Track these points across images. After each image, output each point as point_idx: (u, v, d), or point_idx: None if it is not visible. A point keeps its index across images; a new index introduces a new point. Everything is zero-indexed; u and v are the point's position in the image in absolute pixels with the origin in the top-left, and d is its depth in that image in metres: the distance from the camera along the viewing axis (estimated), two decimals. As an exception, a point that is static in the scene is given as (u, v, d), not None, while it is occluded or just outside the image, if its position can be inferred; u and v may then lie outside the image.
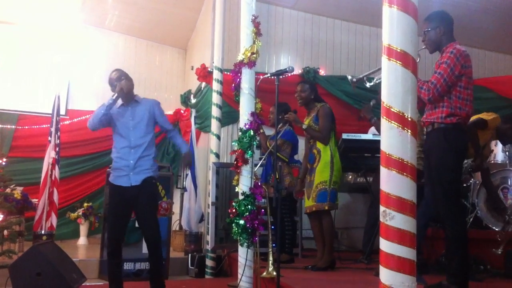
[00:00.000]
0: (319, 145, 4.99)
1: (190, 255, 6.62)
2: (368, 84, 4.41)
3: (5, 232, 5.48)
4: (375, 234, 5.23)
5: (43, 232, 6.79)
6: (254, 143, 4.31)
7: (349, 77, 4.53)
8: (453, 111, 3.47)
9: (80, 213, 8.44)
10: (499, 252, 4.47)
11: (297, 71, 7.42)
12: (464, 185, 5.34)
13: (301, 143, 5.74)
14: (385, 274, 2.18)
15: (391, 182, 2.21)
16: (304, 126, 5.02)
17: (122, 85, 4.26)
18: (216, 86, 6.59)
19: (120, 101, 4.35)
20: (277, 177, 4.42)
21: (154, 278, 4.24)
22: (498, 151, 5.69)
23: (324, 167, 4.92)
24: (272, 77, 4.30)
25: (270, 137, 5.66)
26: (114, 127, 4.36)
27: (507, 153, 5.63)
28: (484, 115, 5.04)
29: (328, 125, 4.98)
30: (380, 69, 3.99)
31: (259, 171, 5.28)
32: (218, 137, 6.57)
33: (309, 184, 5.01)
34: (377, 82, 4.36)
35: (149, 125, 4.31)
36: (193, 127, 7.56)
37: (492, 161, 5.61)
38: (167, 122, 4.56)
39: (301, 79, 6.84)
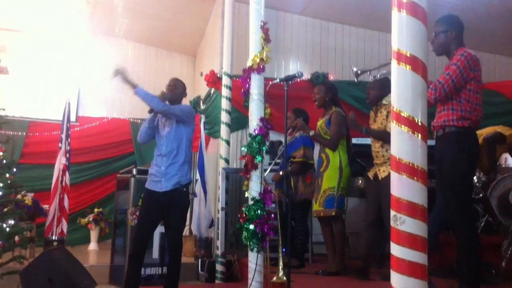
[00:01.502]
0: (328, 149, 5.00)
1: (200, 260, 6.62)
2: (370, 78, 4.40)
3: (16, 238, 5.50)
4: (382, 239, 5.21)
5: (54, 238, 6.83)
6: (264, 148, 4.32)
7: (354, 69, 4.52)
8: (463, 114, 3.46)
9: (91, 219, 8.49)
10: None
11: (306, 76, 7.42)
12: (476, 197, 5.30)
13: (316, 148, 5.74)
14: (396, 279, 2.17)
15: (401, 187, 2.20)
16: (311, 133, 5.02)
17: (159, 95, 4.39)
18: (225, 91, 6.61)
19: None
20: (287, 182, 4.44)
21: (168, 284, 4.25)
22: (509, 156, 5.65)
23: (333, 173, 4.92)
24: (281, 83, 4.31)
25: (290, 141, 5.64)
26: (155, 136, 4.50)
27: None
28: (502, 129, 5.01)
29: (338, 131, 4.97)
30: (386, 64, 4.02)
31: (269, 177, 5.29)
32: (228, 143, 6.58)
33: (317, 188, 5.02)
34: (379, 77, 4.35)
35: (177, 132, 4.37)
36: (203, 133, 7.58)
37: (504, 165, 5.58)
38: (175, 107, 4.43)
39: (310, 85, 6.85)
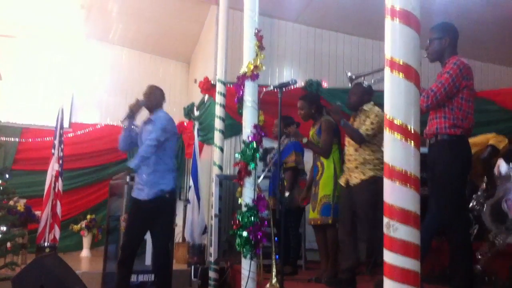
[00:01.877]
0: (322, 158, 5.01)
1: (193, 267, 6.61)
2: (365, 84, 4.40)
3: (8, 244, 5.49)
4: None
5: (46, 244, 6.80)
6: (257, 155, 4.32)
7: (349, 74, 4.51)
8: (456, 122, 3.48)
9: (83, 225, 8.46)
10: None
11: (300, 83, 7.44)
12: (475, 213, 5.30)
13: (307, 155, 5.74)
14: (389, 286, 2.17)
15: (394, 194, 2.21)
16: (304, 140, 5.01)
17: (132, 104, 4.44)
18: (219, 98, 6.61)
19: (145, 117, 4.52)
20: (280, 189, 4.43)
21: None
22: (502, 163, 5.67)
23: (328, 180, 4.92)
24: (275, 90, 4.32)
25: (274, 150, 5.66)
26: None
27: (511, 164, 5.61)
28: (495, 141, 5.03)
29: (329, 139, 4.96)
30: (380, 70, 4.03)
31: (263, 184, 5.29)
32: (221, 149, 6.58)
33: (314, 196, 5.01)
34: (374, 83, 4.35)
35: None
36: (196, 140, 7.58)
37: (497, 175, 5.59)
38: (150, 134, 4.36)
39: (303, 92, 6.86)
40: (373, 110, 4.55)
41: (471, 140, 4.15)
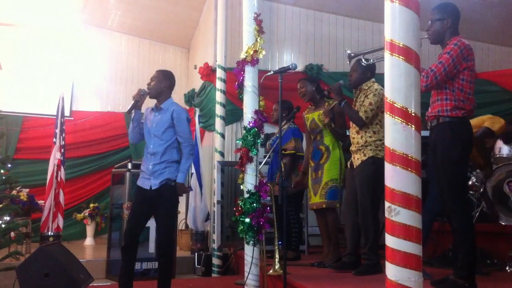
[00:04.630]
0: (327, 141, 4.96)
1: (196, 254, 6.64)
2: (363, 62, 4.35)
3: (12, 233, 5.50)
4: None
5: (50, 233, 6.82)
6: (258, 141, 4.31)
7: (348, 52, 4.44)
8: (457, 104, 3.45)
9: (87, 214, 8.47)
10: None
11: (300, 68, 7.41)
12: (477, 194, 5.28)
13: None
14: (391, 270, 2.17)
15: (395, 178, 2.20)
16: (343, 103, 4.53)
17: (135, 94, 4.30)
18: (219, 84, 6.59)
19: (152, 105, 4.39)
20: (282, 174, 4.42)
21: (160, 278, 4.25)
22: (503, 145, 5.66)
23: (334, 165, 4.89)
24: (275, 74, 4.30)
25: (274, 136, 5.64)
26: (144, 132, 4.40)
27: (512, 146, 5.60)
28: (490, 123, 4.99)
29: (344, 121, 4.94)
30: (380, 49, 3.98)
31: (264, 169, 5.28)
32: (223, 136, 6.58)
33: (316, 180, 4.96)
34: (373, 62, 4.29)
35: (168, 132, 4.23)
36: (197, 126, 7.57)
37: (498, 155, 5.58)
38: (182, 133, 4.25)
39: (304, 76, 6.83)
40: (372, 88, 4.48)
41: None
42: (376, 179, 4.24)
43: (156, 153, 4.20)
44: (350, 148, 4.61)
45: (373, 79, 4.56)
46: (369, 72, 4.55)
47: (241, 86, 4.41)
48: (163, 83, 4.31)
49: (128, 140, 4.56)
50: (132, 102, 4.30)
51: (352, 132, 4.58)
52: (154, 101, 4.41)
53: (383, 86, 2.37)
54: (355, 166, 4.49)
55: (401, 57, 2.23)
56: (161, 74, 4.36)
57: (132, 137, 4.46)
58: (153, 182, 4.17)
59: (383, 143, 4.25)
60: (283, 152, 5.40)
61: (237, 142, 4.62)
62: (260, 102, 4.45)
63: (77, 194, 9.00)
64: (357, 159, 4.47)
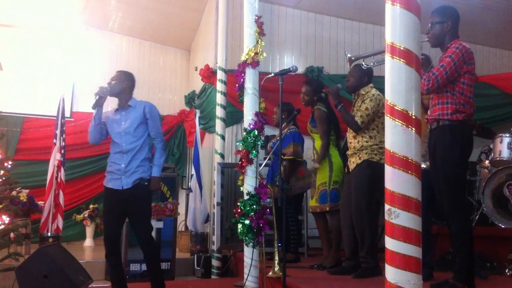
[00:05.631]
0: (317, 146, 5.00)
1: (196, 255, 6.64)
2: (364, 66, 4.35)
3: (12, 234, 5.48)
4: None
5: (49, 234, 6.81)
6: (259, 143, 4.31)
7: (348, 55, 4.44)
8: (458, 107, 3.46)
9: (86, 215, 8.46)
10: None
11: (301, 70, 7.41)
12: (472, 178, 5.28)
13: (307, 142, 5.71)
14: (391, 272, 2.18)
15: (395, 180, 2.21)
16: (340, 106, 4.56)
17: (98, 91, 4.26)
18: (220, 86, 6.60)
19: (115, 105, 4.37)
20: (281, 176, 4.42)
21: (152, 279, 4.23)
22: (504, 148, 5.65)
23: (324, 168, 4.93)
24: (276, 77, 4.30)
25: (275, 138, 5.62)
26: (110, 133, 4.33)
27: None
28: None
29: (325, 128, 4.94)
30: (380, 52, 3.98)
31: (264, 171, 5.28)
32: (223, 137, 6.58)
33: (313, 184, 5.07)
34: (373, 65, 4.30)
35: (140, 129, 4.23)
36: (198, 128, 7.57)
37: (498, 158, 5.58)
38: (155, 129, 4.29)
39: (305, 78, 6.83)
40: (369, 94, 4.48)
41: None
42: (371, 182, 4.26)
43: (129, 151, 4.16)
44: (347, 152, 4.62)
45: (371, 84, 4.57)
46: (366, 77, 4.55)
47: (241, 88, 4.42)
48: (124, 83, 4.32)
49: (89, 140, 4.46)
50: (96, 98, 4.24)
51: (349, 136, 4.58)
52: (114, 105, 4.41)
53: (383, 89, 2.37)
54: (350, 170, 4.50)
55: (401, 60, 2.24)
56: (122, 75, 4.37)
57: (93, 136, 4.34)
58: (125, 182, 4.12)
59: (380, 147, 4.30)
60: (282, 156, 5.40)
61: (237, 144, 4.63)
62: (261, 104, 4.45)
63: (77, 195, 8.99)
64: (352, 162, 4.48)
